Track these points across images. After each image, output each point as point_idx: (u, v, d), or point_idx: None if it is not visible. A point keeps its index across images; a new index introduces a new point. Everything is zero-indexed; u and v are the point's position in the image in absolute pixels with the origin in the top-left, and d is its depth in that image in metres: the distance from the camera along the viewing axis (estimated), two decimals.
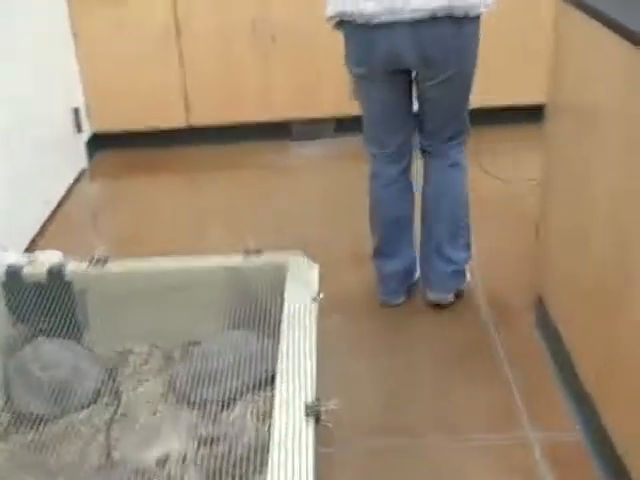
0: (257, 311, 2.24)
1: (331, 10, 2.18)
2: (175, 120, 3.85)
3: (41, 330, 2.24)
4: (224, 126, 3.87)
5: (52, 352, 2.12)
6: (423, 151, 2.44)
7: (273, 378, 2.05)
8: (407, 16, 2.09)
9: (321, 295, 2.04)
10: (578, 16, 1.87)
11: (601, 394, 1.84)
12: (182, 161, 3.82)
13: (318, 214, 3.20)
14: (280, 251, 2.25)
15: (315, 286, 2.09)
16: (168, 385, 2.15)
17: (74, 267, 2.25)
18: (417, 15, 2.08)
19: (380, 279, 2.49)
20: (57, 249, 2.44)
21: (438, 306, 2.46)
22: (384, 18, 2.11)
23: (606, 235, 1.76)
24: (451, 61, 2.18)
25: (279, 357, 1.79)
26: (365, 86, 2.31)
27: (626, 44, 1.56)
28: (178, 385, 2.11)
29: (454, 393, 2.14)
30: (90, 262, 2.27)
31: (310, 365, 1.73)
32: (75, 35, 3.65)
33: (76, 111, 3.67)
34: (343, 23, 2.21)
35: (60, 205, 3.34)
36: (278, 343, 2.10)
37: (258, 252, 2.25)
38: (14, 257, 2.44)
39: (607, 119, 1.75)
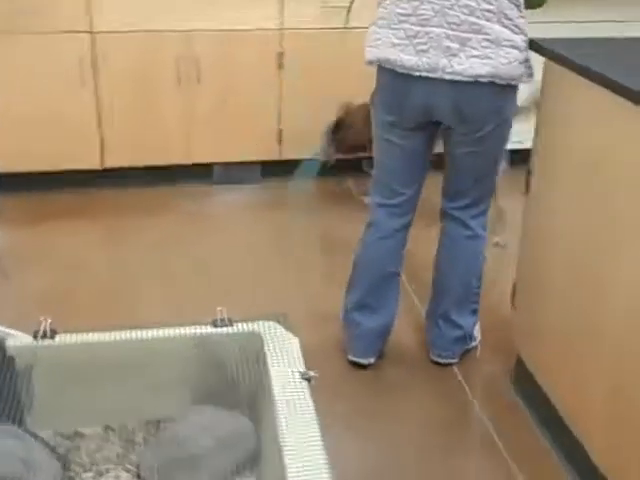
0: (227, 386, 2.06)
1: (371, 55, 2.13)
2: (89, 161, 3.58)
3: None
4: (142, 168, 3.64)
5: None
6: (444, 214, 2.37)
7: (256, 460, 1.90)
8: (447, 77, 2.04)
9: (313, 373, 1.89)
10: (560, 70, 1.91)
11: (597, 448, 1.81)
12: (98, 206, 3.55)
13: (241, 268, 3.05)
14: (252, 320, 2.09)
15: (300, 361, 1.94)
16: (135, 476, 1.93)
17: (17, 341, 1.99)
18: (457, 78, 2.04)
19: (355, 335, 2.38)
20: None
21: (438, 364, 2.43)
22: (424, 73, 2.05)
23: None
24: (487, 121, 2.13)
25: (283, 451, 1.62)
26: (389, 134, 2.24)
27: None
28: (147, 475, 1.90)
29: (444, 465, 2.03)
30: (36, 335, 2.02)
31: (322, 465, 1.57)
32: None
33: None
34: (381, 69, 2.16)
35: None
36: (258, 421, 1.95)
37: (228, 321, 2.08)
38: None
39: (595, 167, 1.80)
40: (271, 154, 3.72)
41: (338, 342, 2.45)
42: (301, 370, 1.89)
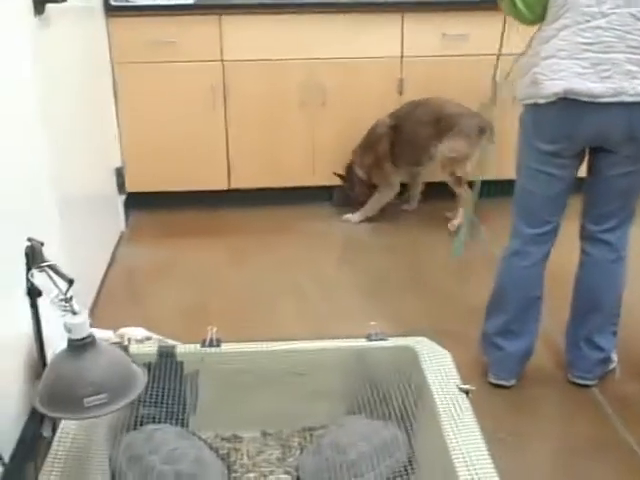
0: (380, 398, 2.15)
1: (557, 87, 2.13)
2: (217, 182, 3.76)
3: (148, 414, 2.10)
4: (265, 189, 3.80)
5: (169, 442, 1.97)
6: (589, 237, 2.40)
7: (407, 469, 1.97)
8: (629, 99, 2.09)
9: (471, 387, 1.96)
10: None
11: None
12: (224, 225, 3.72)
13: (366, 286, 3.15)
14: (404, 336, 2.18)
15: (455, 375, 2.01)
16: (295, 478, 2.03)
17: (185, 348, 2.13)
18: (636, 100, 2.09)
19: (499, 359, 2.44)
20: (117, 321, 2.31)
21: (577, 384, 2.47)
22: (608, 99, 2.10)
23: None
24: None
25: (454, 461, 1.69)
26: (545, 165, 2.27)
27: None
28: (307, 478, 1.99)
29: None
30: (203, 343, 2.16)
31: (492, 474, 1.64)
32: (117, 95, 3.54)
33: (119, 171, 3.55)
34: (541, 103, 2.18)
35: (107, 272, 3.18)
36: (408, 433, 2.03)
37: (382, 336, 2.17)
38: (103, 334, 2.30)
39: None
40: None
41: (473, 362, 2.51)
42: (458, 383, 1.98)
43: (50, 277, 1.63)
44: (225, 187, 3.78)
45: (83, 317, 1.56)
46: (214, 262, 3.39)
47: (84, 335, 1.56)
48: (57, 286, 1.59)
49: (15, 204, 1.98)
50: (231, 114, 3.67)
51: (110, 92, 3.50)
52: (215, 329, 2.20)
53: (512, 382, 2.44)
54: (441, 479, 1.76)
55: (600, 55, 2.08)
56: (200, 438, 2.07)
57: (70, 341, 1.57)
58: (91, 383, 1.53)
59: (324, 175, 3.82)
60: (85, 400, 1.52)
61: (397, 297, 3.05)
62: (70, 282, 1.61)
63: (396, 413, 2.09)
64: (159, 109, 3.62)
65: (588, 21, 2.07)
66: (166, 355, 2.12)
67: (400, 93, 3.70)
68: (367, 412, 2.13)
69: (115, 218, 3.52)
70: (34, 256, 1.67)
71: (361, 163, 3.71)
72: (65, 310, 1.57)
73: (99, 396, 1.53)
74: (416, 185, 3.89)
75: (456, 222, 3.60)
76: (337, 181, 3.84)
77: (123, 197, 3.63)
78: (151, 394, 2.07)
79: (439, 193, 3.72)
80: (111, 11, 3.42)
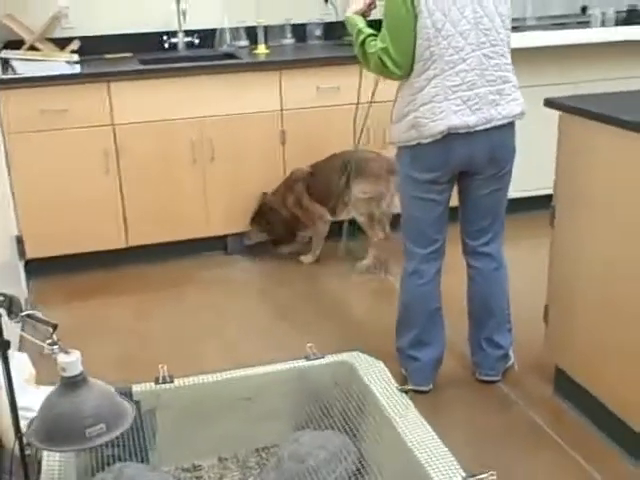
0: (324, 411, 2.36)
1: (442, 126, 2.45)
2: (114, 242, 3.87)
3: (111, 455, 2.20)
4: (162, 244, 3.95)
5: (140, 477, 2.09)
6: (471, 252, 2.73)
7: (359, 470, 2.19)
8: (499, 122, 2.47)
9: (409, 387, 2.22)
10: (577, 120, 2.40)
11: None
12: (126, 281, 3.83)
13: (275, 322, 3.39)
14: (339, 352, 2.41)
15: (391, 379, 2.26)
16: None
17: (140, 387, 2.26)
18: (504, 121, 2.48)
19: (416, 368, 2.71)
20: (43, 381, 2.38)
21: (485, 382, 2.80)
22: (482, 127, 2.45)
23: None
24: (509, 158, 2.59)
25: (410, 448, 1.93)
26: (425, 192, 2.58)
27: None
28: None
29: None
30: (157, 380, 2.29)
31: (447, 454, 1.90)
32: (9, 164, 3.61)
33: (18, 239, 3.59)
34: (417, 140, 2.51)
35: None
36: (356, 438, 2.25)
37: (319, 355, 2.39)
38: None
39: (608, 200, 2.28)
40: None
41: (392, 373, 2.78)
42: (397, 386, 2.23)
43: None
44: (123, 245, 3.89)
45: (76, 355, 1.70)
46: (124, 318, 3.49)
47: (77, 372, 1.69)
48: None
49: None
50: (125, 175, 3.81)
51: (3, 162, 3.55)
52: (165, 366, 2.35)
53: (429, 387, 2.73)
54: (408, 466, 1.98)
55: (468, 92, 2.46)
56: (159, 470, 2.21)
57: (64, 379, 1.69)
58: (90, 415, 1.66)
59: (218, 226, 4.02)
60: (87, 431, 1.65)
61: (308, 325, 3.30)
62: (54, 327, 1.74)
63: (340, 422, 2.32)
64: (54, 175, 3.70)
65: (452, 67, 2.44)
66: (123, 395, 2.24)
67: (283, 143, 3.99)
68: (314, 426, 2.34)
69: (17, 285, 3.54)
70: (11, 308, 1.77)
71: (283, 204, 3.93)
72: (56, 352, 1.70)
73: (98, 426, 1.66)
74: (322, 239, 4.01)
75: (365, 262, 3.85)
76: (231, 230, 4.05)
77: (23, 264, 3.66)
78: None
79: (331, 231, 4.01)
80: (1, 83, 3.50)
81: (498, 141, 2.53)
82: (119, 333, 3.31)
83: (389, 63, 2.47)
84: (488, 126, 2.48)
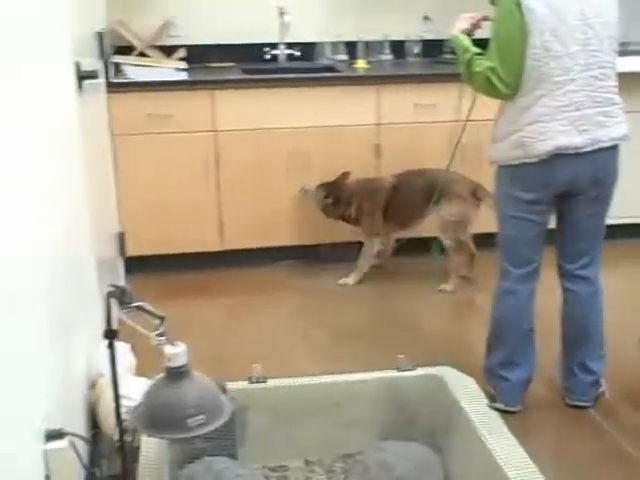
0: (410, 423, 2.38)
1: (548, 146, 2.46)
2: (210, 244, 3.98)
3: (202, 448, 2.27)
4: (255, 249, 4.04)
5: (230, 471, 2.15)
6: (568, 275, 2.71)
7: None
8: (606, 145, 2.47)
9: (500, 405, 2.21)
10: None
11: None
12: (218, 284, 3.93)
13: (366, 334, 3.40)
14: (429, 366, 2.43)
15: (482, 396, 2.27)
16: None
17: (234, 385, 2.32)
18: (611, 144, 2.48)
19: (505, 388, 2.69)
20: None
21: (575, 407, 2.76)
22: (589, 148, 2.46)
23: None
24: (611, 182, 2.58)
25: (500, 466, 1.93)
26: (525, 212, 2.58)
27: None
28: None
29: None
30: (250, 380, 2.36)
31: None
32: (116, 164, 3.76)
33: (120, 236, 3.73)
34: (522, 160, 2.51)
35: None
36: (442, 452, 2.26)
37: (410, 367, 2.41)
38: None
39: None
40: None
41: None
42: (487, 403, 2.23)
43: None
44: (219, 248, 4.00)
45: (181, 348, 1.77)
46: (217, 318, 3.58)
47: (182, 363, 1.76)
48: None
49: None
50: (223, 180, 3.92)
51: (110, 162, 3.71)
52: (260, 366, 2.41)
53: (518, 407, 2.70)
54: None
55: (575, 113, 2.46)
56: (244, 466, 2.26)
57: (169, 369, 1.77)
58: (192, 406, 1.73)
59: (311, 234, 4.08)
60: (188, 421, 1.71)
61: (397, 338, 3.31)
62: (162, 319, 1.82)
63: (426, 436, 2.33)
64: (155, 177, 3.85)
65: (560, 88, 2.44)
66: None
67: (377, 157, 4.03)
68: (400, 436, 2.36)
69: (116, 281, 3.68)
70: (124, 298, 1.86)
71: (357, 203, 3.91)
72: (162, 343, 1.77)
73: (199, 417, 1.72)
74: (370, 259, 3.99)
75: (449, 287, 3.80)
76: (324, 239, 4.11)
77: (123, 260, 3.80)
78: None
79: (414, 248, 4.02)
80: (111, 87, 3.66)
81: (603, 163, 2.51)
82: (211, 333, 3.40)
83: (497, 82, 2.47)
84: (594, 147, 2.47)
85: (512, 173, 2.58)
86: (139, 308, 1.85)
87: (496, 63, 2.46)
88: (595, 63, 2.44)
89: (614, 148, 2.53)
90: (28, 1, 1.92)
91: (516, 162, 2.54)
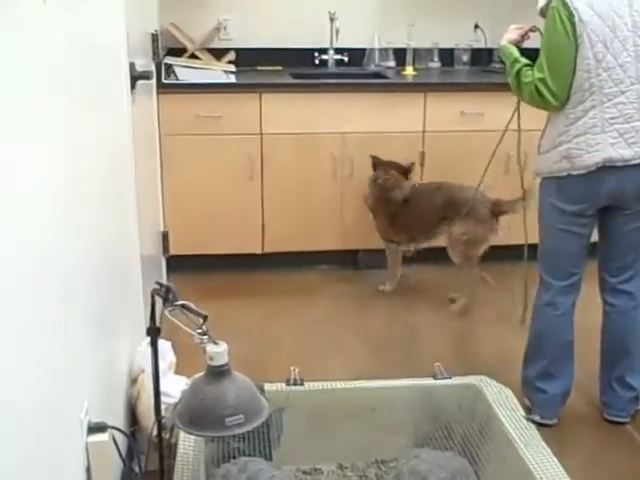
0: (445, 431, 2.38)
1: (597, 158, 2.45)
2: (252, 246, 4.03)
3: (237, 448, 2.30)
4: (296, 252, 4.07)
5: (265, 472, 2.17)
6: (609, 289, 2.69)
7: None
8: None
9: (537, 418, 2.20)
10: None
11: None
12: (258, 286, 3.97)
13: (401, 342, 3.41)
14: (466, 375, 2.43)
15: (518, 407, 2.26)
16: None
17: (271, 386, 2.35)
18: None
19: (542, 401, 2.68)
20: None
21: (613, 422, 2.73)
22: (638, 161, 2.45)
23: None
24: None
25: (536, 476, 1.93)
26: (568, 224, 2.57)
27: None
28: None
29: None
30: (287, 382, 2.38)
31: None
32: (162, 164, 3.82)
33: (164, 235, 3.80)
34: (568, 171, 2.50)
35: None
36: (475, 462, 2.25)
37: (447, 375, 2.42)
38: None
39: None
40: None
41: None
42: (524, 414, 2.22)
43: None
44: (259, 251, 4.04)
45: (224, 347, 1.80)
46: (255, 320, 3.62)
47: (223, 362, 1.79)
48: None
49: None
50: (267, 183, 3.96)
51: (157, 161, 3.77)
52: (297, 369, 2.44)
53: (554, 421, 2.69)
54: None
55: (624, 125, 2.44)
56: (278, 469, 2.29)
57: (210, 368, 1.80)
58: (231, 405, 1.76)
59: (351, 240, 4.10)
60: (226, 420, 1.74)
61: (431, 346, 3.33)
62: (205, 317, 1.85)
63: (461, 445, 2.33)
64: (201, 178, 3.90)
65: (610, 100, 2.43)
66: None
67: (422, 165, 4.03)
68: (434, 445, 2.37)
69: (159, 279, 3.73)
70: (168, 296, 1.90)
71: (372, 208, 3.89)
72: (205, 342, 1.81)
73: (238, 416, 1.75)
74: (396, 264, 3.97)
75: (458, 304, 3.73)
76: (363, 246, 4.12)
77: (165, 259, 3.87)
78: None
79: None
80: (162, 88, 3.73)
81: None
82: (249, 334, 3.43)
83: (546, 93, 2.47)
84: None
85: (558, 185, 2.56)
86: (183, 307, 1.88)
87: (546, 74, 2.45)
88: None
89: None
90: (91, 5, 1.98)
91: (563, 174, 2.53)
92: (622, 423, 2.72)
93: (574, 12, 2.37)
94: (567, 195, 2.55)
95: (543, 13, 2.50)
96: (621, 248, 2.63)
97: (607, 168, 2.46)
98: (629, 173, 2.47)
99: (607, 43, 2.38)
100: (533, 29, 2.65)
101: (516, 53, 2.61)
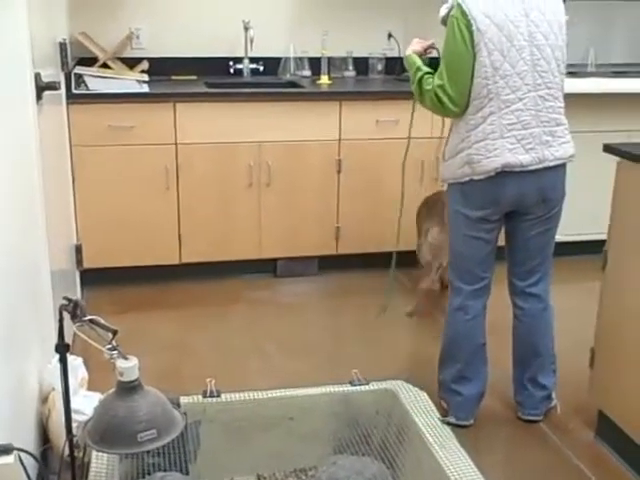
0: (363, 437, 2.40)
1: (495, 163, 2.49)
2: (169, 257, 3.97)
3: (153, 463, 2.26)
4: (214, 262, 4.04)
5: None
6: (519, 293, 2.75)
7: None
8: (551, 164, 2.51)
9: (453, 419, 2.23)
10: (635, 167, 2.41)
11: None
12: (177, 297, 3.92)
13: (321, 349, 3.43)
14: (384, 380, 2.45)
15: (434, 410, 2.29)
16: None
17: (189, 399, 2.32)
18: (557, 162, 2.53)
19: (458, 403, 2.72)
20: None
21: (527, 421, 2.80)
22: (534, 167, 2.50)
23: None
24: (558, 200, 2.62)
25: (451, 477, 1.96)
26: (475, 230, 2.62)
27: None
28: None
29: None
30: (204, 394, 2.35)
31: None
32: (74, 176, 3.74)
33: (78, 248, 3.71)
34: (471, 177, 2.54)
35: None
36: (392, 467, 2.28)
37: (364, 381, 2.43)
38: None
39: None
40: (329, 249, 4.16)
41: None
42: (439, 417, 2.26)
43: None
44: (177, 262, 3.99)
45: (134, 362, 1.77)
46: (172, 332, 3.57)
47: (134, 378, 1.76)
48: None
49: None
50: (183, 193, 3.91)
51: (68, 173, 3.69)
52: (214, 381, 2.41)
53: (470, 422, 2.74)
54: None
55: (522, 132, 2.50)
56: None
57: (121, 383, 1.76)
58: (143, 420, 1.73)
59: (269, 249, 4.09)
60: (138, 435, 1.71)
61: (352, 352, 3.35)
62: (114, 332, 1.82)
63: (379, 450, 2.35)
64: (115, 189, 3.82)
65: (508, 106, 2.49)
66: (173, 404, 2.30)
67: (339, 172, 4.06)
68: (353, 451, 2.38)
69: (72, 293, 3.65)
70: (76, 312, 1.86)
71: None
72: (115, 357, 1.77)
73: (150, 431, 1.72)
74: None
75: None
76: (282, 254, 4.12)
77: (79, 273, 3.78)
78: None
79: (376, 263, 4.05)
80: (72, 98, 3.64)
81: (549, 182, 2.57)
82: (166, 346, 3.39)
83: (445, 99, 2.53)
84: (540, 166, 2.52)
85: (462, 191, 2.62)
86: (92, 322, 1.84)
87: (445, 81, 2.52)
88: (543, 84, 2.50)
89: (560, 167, 2.58)
90: None
91: (465, 179, 2.59)
92: (536, 421, 2.79)
93: (472, 21, 2.43)
94: (471, 201, 2.61)
95: (444, 22, 2.56)
96: (527, 252, 2.70)
97: (506, 173, 2.52)
98: (527, 179, 2.53)
99: (504, 52, 2.44)
100: (433, 46, 2.73)
101: (419, 62, 2.67)
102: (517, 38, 2.45)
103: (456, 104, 2.53)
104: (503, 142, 2.49)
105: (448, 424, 2.27)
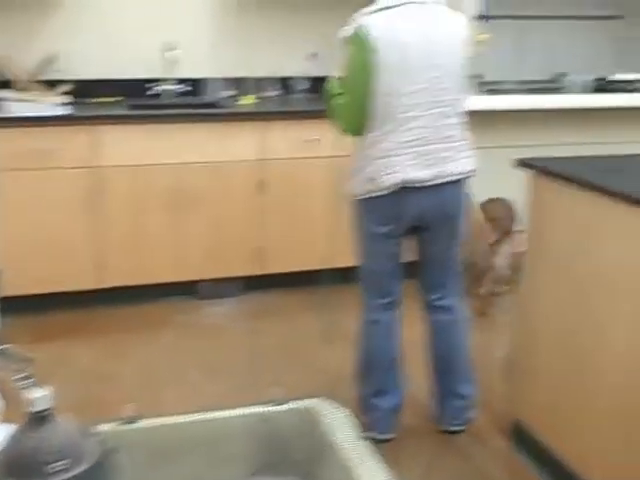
0: (285, 457, 2.41)
1: (395, 179, 2.54)
2: (88, 282, 3.93)
3: None
4: (135, 286, 4.01)
5: None
6: (430, 306, 2.80)
7: None
8: (451, 179, 2.56)
9: (374, 434, 2.24)
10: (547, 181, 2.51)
11: None
12: (97, 323, 3.87)
13: (245, 370, 3.44)
14: (303, 399, 2.47)
15: (355, 426, 2.32)
16: None
17: (104, 427, 2.29)
18: (456, 177, 2.58)
19: (377, 417, 2.76)
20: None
21: (447, 432, 2.86)
22: (435, 182, 2.55)
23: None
24: (458, 215, 2.67)
25: None
26: (381, 245, 2.67)
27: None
28: None
29: None
30: (123, 420, 2.33)
31: None
32: None
33: None
34: (374, 193, 2.59)
35: None
36: None
37: (282, 400, 2.44)
38: None
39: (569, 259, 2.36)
40: (253, 269, 4.17)
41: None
42: (360, 432, 2.28)
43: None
44: (98, 286, 3.94)
45: (44, 391, 1.75)
46: (93, 358, 3.53)
47: (45, 407, 1.74)
48: None
49: None
50: (104, 216, 3.88)
51: None
52: (132, 406, 2.39)
53: (391, 435, 2.79)
54: None
55: (422, 148, 2.57)
56: None
57: (32, 414, 1.74)
58: (53, 451, 1.70)
59: (192, 271, 4.09)
60: (48, 467, 1.69)
61: (276, 372, 3.37)
62: (29, 361, 1.80)
63: (301, 469, 2.37)
64: (36, 214, 3.78)
65: (408, 123, 2.55)
66: (88, 433, 2.27)
67: (261, 193, 4.09)
68: (275, 471, 2.39)
69: None
70: None
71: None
72: (28, 387, 1.75)
73: (62, 462, 1.70)
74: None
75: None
76: (205, 276, 4.12)
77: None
78: None
79: (300, 281, 4.09)
80: None
81: (449, 197, 2.63)
82: (86, 374, 3.35)
83: (346, 118, 2.60)
84: (440, 181, 2.58)
85: (365, 207, 2.67)
86: (2, 352, 1.82)
87: (345, 100, 2.58)
88: (442, 101, 2.56)
89: (459, 182, 2.64)
90: None
91: (368, 195, 2.64)
92: (457, 432, 2.85)
93: (371, 42, 2.48)
94: (375, 217, 2.66)
95: (346, 42, 2.60)
96: (434, 267, 2.77)
97: (407, 189, 2.57)
98: (428, 194, 2.59)
99: (402, 72, 2.50)
100: None
101: (334, 83, 2.72)
102: (415, 57, 2.50)
103: (355, 123, 2.59)
104: (403, 159, 2.55)
105: (369, 439, 2.30)
